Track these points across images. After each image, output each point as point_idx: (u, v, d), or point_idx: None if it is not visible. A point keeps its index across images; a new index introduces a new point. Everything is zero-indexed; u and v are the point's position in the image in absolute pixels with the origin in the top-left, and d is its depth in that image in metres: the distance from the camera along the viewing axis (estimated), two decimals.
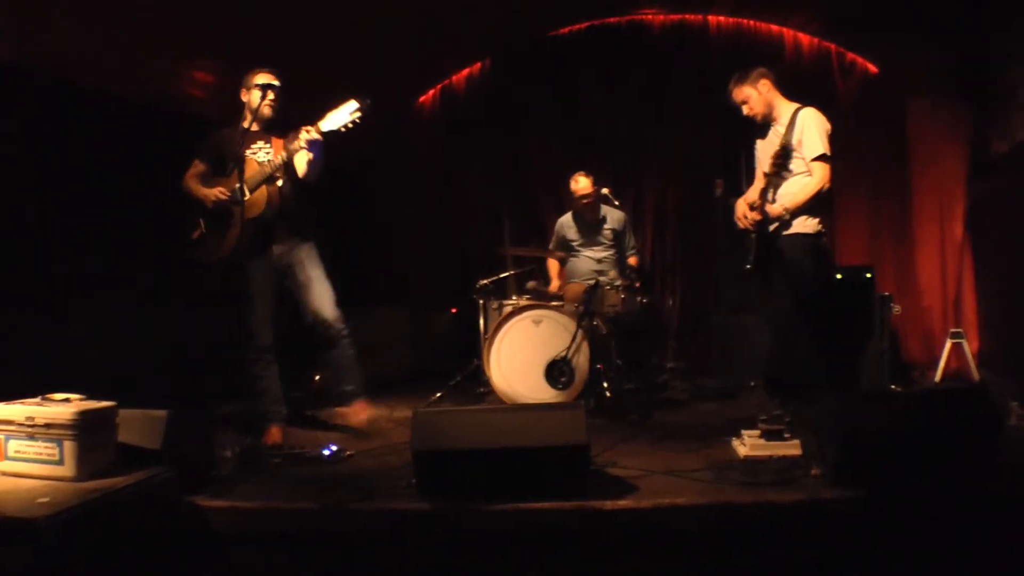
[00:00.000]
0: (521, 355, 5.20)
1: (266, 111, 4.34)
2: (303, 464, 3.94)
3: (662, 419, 5.02)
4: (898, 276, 7.00)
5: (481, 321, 5.95)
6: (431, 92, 8.31)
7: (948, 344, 6.18)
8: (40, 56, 4.62)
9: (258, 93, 4.32)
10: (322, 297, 4.41)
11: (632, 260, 6.32)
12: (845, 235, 7.26)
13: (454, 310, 7.34)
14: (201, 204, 4.37)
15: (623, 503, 3.09)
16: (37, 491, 2.85)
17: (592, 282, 5.46)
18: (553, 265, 6.44)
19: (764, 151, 4.51)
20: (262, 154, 4.33)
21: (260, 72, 4.35)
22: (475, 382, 5.87)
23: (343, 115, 4.06)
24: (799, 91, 4.56)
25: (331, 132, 4.09)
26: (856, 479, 3.09)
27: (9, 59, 4.46)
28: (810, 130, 4.21)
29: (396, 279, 8.07)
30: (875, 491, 3.03)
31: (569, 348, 5.09)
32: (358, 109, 4.04)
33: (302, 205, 4.45)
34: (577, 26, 7.88)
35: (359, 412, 4.51)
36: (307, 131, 4.08)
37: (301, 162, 4.29)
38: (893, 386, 5.42)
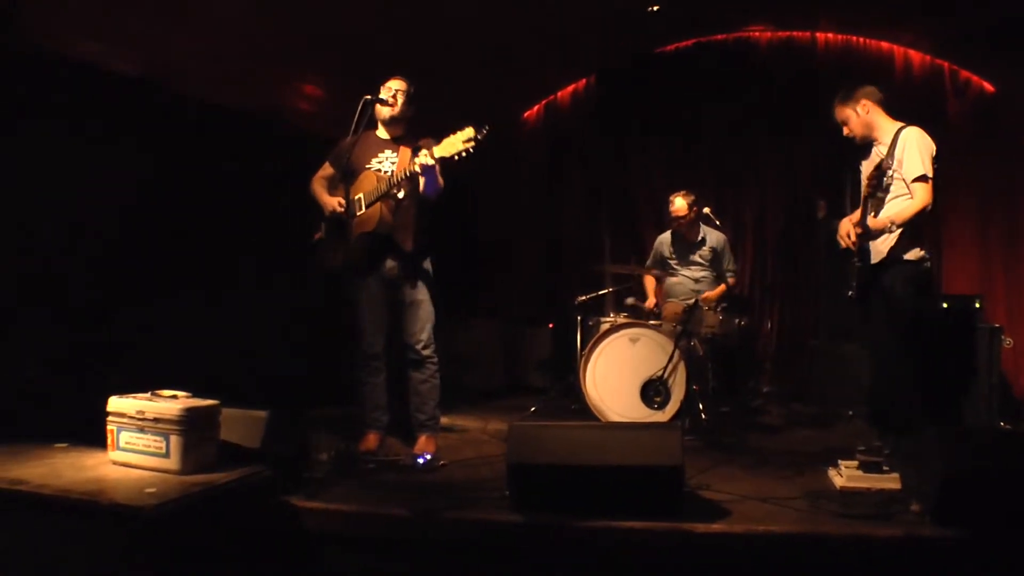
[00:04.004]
0: (617, 373, 5.20)
1: (394, 117, 4.37)
2: (397, 471, 4.01)
3: (757, 444, 4.96)
4: (1010, 307, 6.71)
5: (578, 337, 5.98)
6: (536, 107, 8.42)
7: None
8: (163, 71, 4.89)
9: (388, 99, 4.32)
10: (420, 321, 4.35)
11: (725, 284, 6.04)
12: (952, 263, 7.01)
13: (551, 325, 7.39)
14: (322, 209, 4.44)
15: (716, 527, 3.08)
16: (145, 481, 3.00)
17: (691, 302, 5.43)
18: (650, 282, 6.39)
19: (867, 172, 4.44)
20: (387, 163, 4.34)
21: (392, 79, 4.39)
22: (569, 398, 5.90)
23: (457, 143, 3.98)
24: (908, 111, 4.43)
25: (444, 159, 4.03)
26: (959, 519, 3.00)
27: (137, 74, 4.75)
28: (911, 150, 4.06)
29: (494, 292, 8.17)
30: (979, 533, 2.94)
31: (666, 368, 5.06)
32: (472, 138, 3.96)
33: (419, 221, 4.40)
34: (683, 43, 7.87)
35: (421, 446, 4.33)
36: (424, 154, 4.04)
37: (421, 181, 4.24)
38: (1002, 423, 5.21)
